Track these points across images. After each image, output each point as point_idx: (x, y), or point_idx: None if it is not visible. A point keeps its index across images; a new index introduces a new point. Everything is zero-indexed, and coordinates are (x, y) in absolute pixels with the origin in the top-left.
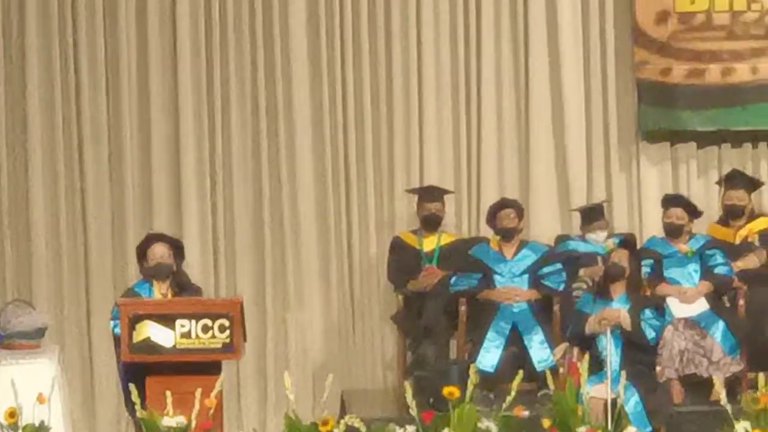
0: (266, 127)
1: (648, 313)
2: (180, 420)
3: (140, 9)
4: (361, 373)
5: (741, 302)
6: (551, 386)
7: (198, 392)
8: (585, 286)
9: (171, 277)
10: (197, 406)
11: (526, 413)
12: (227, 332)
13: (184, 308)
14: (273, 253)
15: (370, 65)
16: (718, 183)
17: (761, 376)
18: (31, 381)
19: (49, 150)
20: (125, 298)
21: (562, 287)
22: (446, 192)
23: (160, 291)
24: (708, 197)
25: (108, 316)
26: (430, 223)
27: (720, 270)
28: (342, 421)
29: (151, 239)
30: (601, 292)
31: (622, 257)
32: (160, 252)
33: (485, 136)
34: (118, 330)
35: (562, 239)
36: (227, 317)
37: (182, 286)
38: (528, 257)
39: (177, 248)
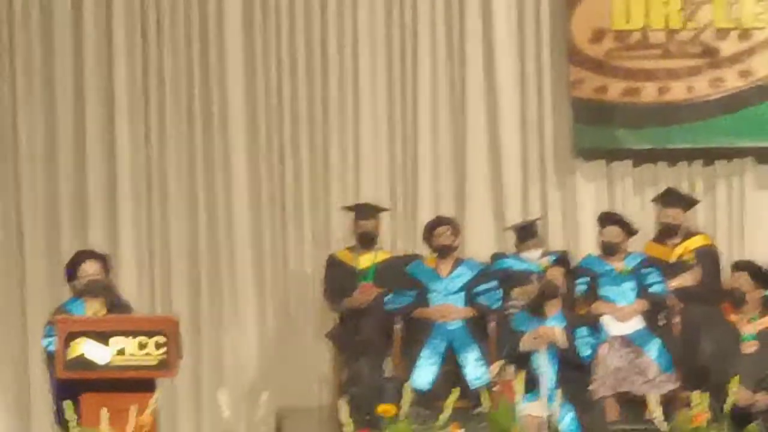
0: (201, 143)
1: (583, 331)
2: None
3: (76, 16)
4: (296, 391)
5: (676, 320)
6: (486, 404)
7: (133, 409)
8: (520, 305)
9: (103, 293)
10: (132, 423)
11: (462, 431)
12: (163, 350)
13: (119, 325)
14: (208, 270)
15: (306, 81)
16: (654, 201)
17: (695, 394)
18: None
19: None
20: (61, 315)
21: (497, 305)
22: (381, 209)
23: (92, 308)
24: (644, 215)
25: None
26: (366, 241)
27: (655, 288)
28: None
29: (81, 256)
30: (536, 310)
31: (556, 275)
32: (92, 269)
33: (421, 153)
34: (52, 347)
35: (497, 257)
36: (163, 335)
37: (113, 302)
38: (464, 275)
39: (106, 263)
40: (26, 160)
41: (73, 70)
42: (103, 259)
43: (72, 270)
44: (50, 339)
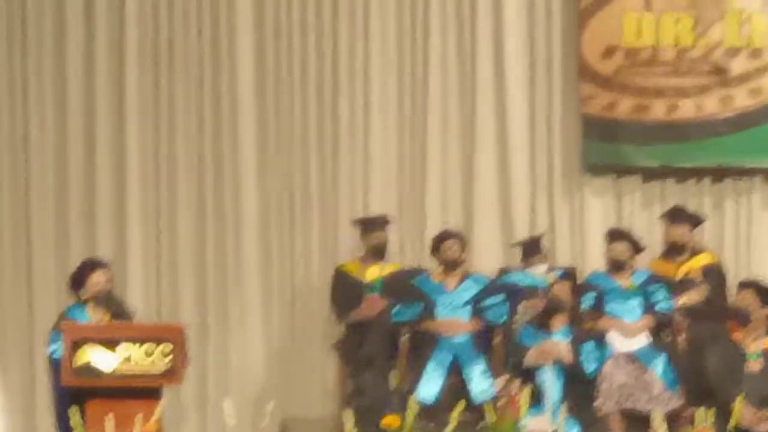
0: (211, 152)
1: (588, 346)
2: None
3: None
4: (302, 401)
5: (681, 338)
6: (491, 418)
7: (138, 417)
8: (526, 319)
9: (112, 304)
10: (137, 430)
11: None
12: (169, 358)
13: (126, 333)
14: (215, 278)
15: (316, 91)
16: (661, 218)
17: (700, 411)
18: None
19: None
20: (67, 322)
21: (503, 319)
22: (389, 221)
23: (96, 315)
24: (651, 231)
25: None
26: (378, 253)
27: (661, 306)
28: None
29: (91, 266)
30: (542, 324)
31: (562, 291)
32: (104, 278)
33: (429, 167)
34: (57, 354)
35: (504, 271)
36: (169, 342)
37: (118, 311)
38: (470, 288)
39: (110, 271)
40: (36, 164)
41: (84, 73)
42: (108, 268)
43: (79, 279)
44: (55, 346)
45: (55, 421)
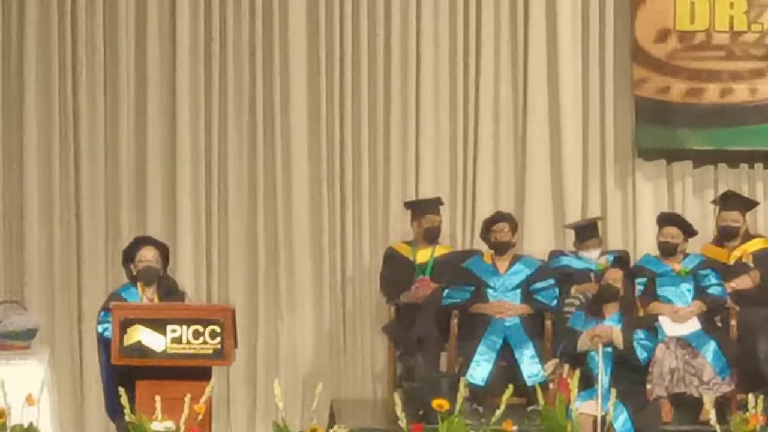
0: (262, 135)
1: (640, 333)
2: (169, 425)
3: (140, 11)
4: (351, 383)
5: (733, 323)
6: (541, 401)
7: (187, 398)
8: (577, 303)
9: (157, 281)
10: (186, 411)
11: (515, 428)
12: (218, 339)
13: (175, 313)
14: (266, 260)
15: (368, 75)
16: (714, 203)
17: (751, 397)
18: (20, 382)
19: (44, 152)
20: (116, 302)
21: (554, 303)
22: (443, 203)
23: (146, 295)
24: (703, 216)
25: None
26: (432, 235)
27: (713, 290)
28: (331, 431)
29: (140, 243)
30: (594, 310)
31: (616, 278)
32: (150, 255)
33: (482, 150)
34: (108, 333)
35: (555, 254)
36: (219, 324)
37: (168, 290)
38: (521, 272)
39: (164, 252)
40: (87, 144)
41: (135, 66)
42: (161, 248)
43: (129, 255)
44: (106, 325)
45: (104, 400)
